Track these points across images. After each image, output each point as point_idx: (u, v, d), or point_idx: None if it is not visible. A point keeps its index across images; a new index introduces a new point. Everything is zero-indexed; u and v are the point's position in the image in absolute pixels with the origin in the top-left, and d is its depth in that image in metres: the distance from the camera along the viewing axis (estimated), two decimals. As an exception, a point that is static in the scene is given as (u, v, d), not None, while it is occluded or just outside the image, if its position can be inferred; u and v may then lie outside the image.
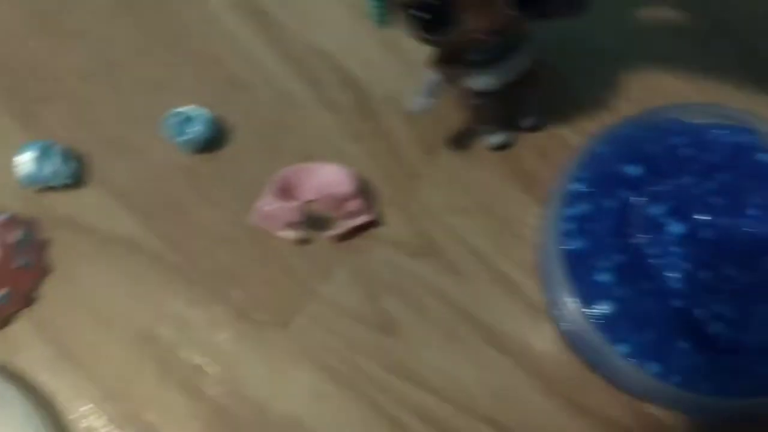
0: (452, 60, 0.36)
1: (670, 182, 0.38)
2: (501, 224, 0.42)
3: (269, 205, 0.40)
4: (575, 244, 0.37)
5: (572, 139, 0.43)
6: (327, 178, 0.41)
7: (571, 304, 0.36)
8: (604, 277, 0.37)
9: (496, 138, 0.42)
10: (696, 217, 0.38)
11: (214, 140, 0.43)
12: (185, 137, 0.42)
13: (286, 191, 0.41)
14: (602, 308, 0.36)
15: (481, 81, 0.38)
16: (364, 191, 0.41)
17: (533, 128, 0.43)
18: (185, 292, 0.40)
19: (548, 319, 0.39)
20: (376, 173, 0.43)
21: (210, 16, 0.47)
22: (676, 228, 0.38)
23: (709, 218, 0.38)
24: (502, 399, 0.38)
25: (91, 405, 0.39)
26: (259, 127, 0.44)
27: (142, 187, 0.43)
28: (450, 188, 0.42)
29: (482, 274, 0.41)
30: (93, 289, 0.41)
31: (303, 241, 0.41)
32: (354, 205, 0.40)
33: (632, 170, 0.38)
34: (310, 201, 0.41)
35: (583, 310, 0.36)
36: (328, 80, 0.45)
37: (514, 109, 0.42)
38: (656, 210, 0.38)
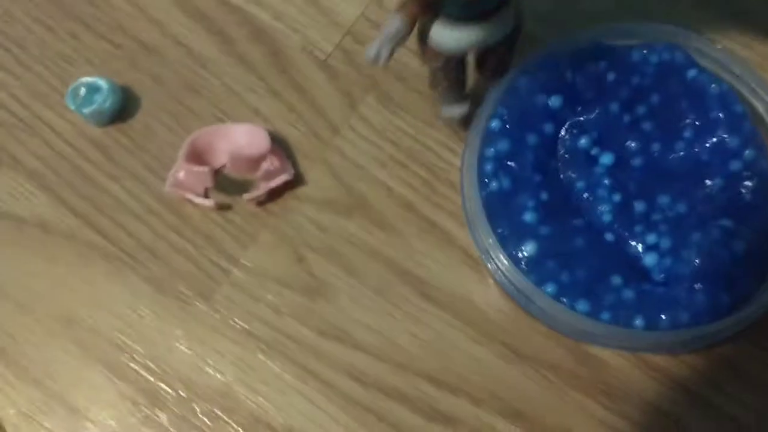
0: (427, 8, 0.31)
1: (595, 111, 0.37)
2: (430, 172, 0.40)
3: (181, 172, 0.38)
4: (496, 185, 0.35)
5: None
6: (240, 139, 0.39)
7: (495, 248, 0.35)
8: (528, 217, 0.35)
9: (452, 110, 0.38)
10: (627, 144, 0.36)
11: (123, 110, 0.41)
12: (91, 108, 0.40)
13: (198, 156, 0.38)
14: (527, 249, 0.34)
15: (453, 39, 0.32)
16: (282, 150, 0.39)
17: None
18: (103, 270, 0.39)
19: (484, 267, 0.37)
20: (295, 130, 0.41)
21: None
22: (605, 159, 0.36)
23: (640, 145, 0.36)
24: (440, 353, 0.37)
25: (15, 391, 0.37)
26: (170, 92, 0.42)
27: (53, 165, 0.41)
28: (375, 140, 0.40)
29: (413, 227, 0.39)
30: (10, 275, 0.39)
31: (222, 207, 0.39)
32: (271, 165, 0.38)
33: (554, 101, 0.36)
34: (224, 164, 0.39)
35: (508, 252, 0.34)
36: (238, 35, 0.42)
37: (479, 76, 0.38)
38: (582, 141, 0.36)
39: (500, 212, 0.35)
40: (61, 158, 0.41)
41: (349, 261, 0.38)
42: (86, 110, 0.40)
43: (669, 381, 0.35)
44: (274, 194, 0.39)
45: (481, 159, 0.36)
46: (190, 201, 0.39)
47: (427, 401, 0.36)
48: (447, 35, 0.32)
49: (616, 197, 0.36)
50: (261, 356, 0.37)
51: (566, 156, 0.36)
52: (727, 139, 0.36)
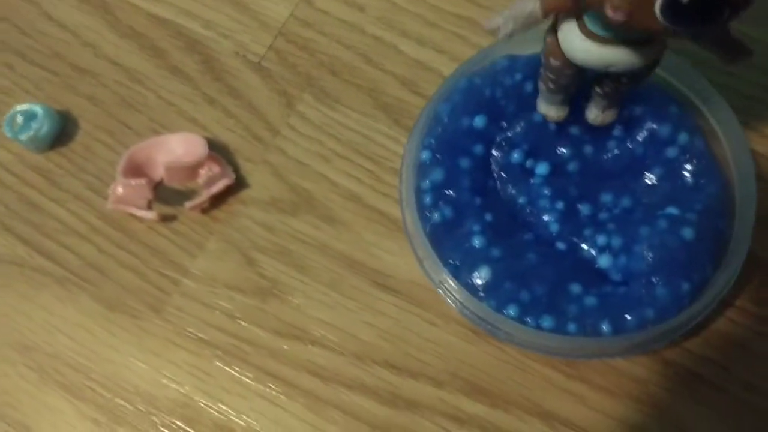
0: (571, 10, 0.27)
1: (521, 124, 0.35)
2: (373, 163, 0.40)
3: (119, 187, 0.38)
4: (438, 216, 0.34)
5: (436, 64, 0.41)
6: (176, 148, 0.39)
7: (449, 281, 0.34)
8: (476, 242, 0.34)
9: (548, 110, 0.34)
10: (558, 152, 0.35)
11: (62, 133, 0.41)
12: (29, 134, 0.39)
13: (136, 170, 0.38)
14: (482, 275, 0.33)
15: (582, 51, 0.28)
16: (222, 155, 0.39)
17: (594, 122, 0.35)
18: (55, 294, 0.38)
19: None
20: (234, 134, 0.40)
21: (46, 14, 0.44)
22: (540, 169, 0.35)
23: (572, 151, 0.36)
24: (398, 339, 0.36)
25: (-25, 429, 0.37)
26: (107, 111, 0.41)
27: (-3, 195, 0.41)
28: (315, 136, 0.40)
29: (361, 218, 0.39)
30: (-39, 310, 0.39)
31: (167, 219, 0.39)
32: (210, 171, 0.38)
33: (478, 121, 0.35)
34: (163, 175, 0.38)
35: (463, 282, 0.33)
36: (170, 47, 0.42)
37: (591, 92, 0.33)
38: (515, 156, 0.35)
39: (447, 243, 0.34)
40: (3, 187, 0.40)
41: (299, 259, 0.38)
42: (23, 137, 0.40)
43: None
44: (218, 200, 0.39)
45: (418, 192, 0.35)
46: (133, 215, 0.38)
47: (389, 389, 0.36)
48: (578, 45, 0.28)
49: (559, 205, 0.35)
50: (218, 363, 0.37)
51: (502, 174, 0.35)
52: (657, 129, 0.35)
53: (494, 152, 0.36)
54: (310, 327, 0.37)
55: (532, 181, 0.35)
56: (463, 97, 0.36)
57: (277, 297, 0.37)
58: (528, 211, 0.35)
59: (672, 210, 0.34)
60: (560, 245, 0.35)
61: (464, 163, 0.35)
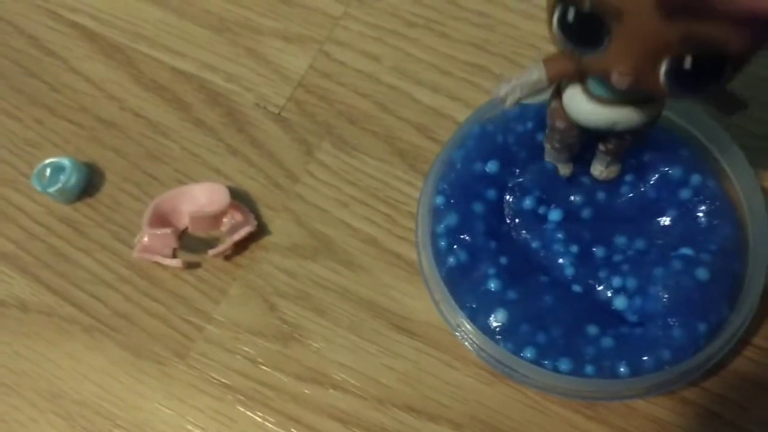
0: (575, 74, 0.28)
1: (532, 170, 0.36)
2: (390, 207, 0.40)
3: (146, 237, 0.39)
4: (453, 260, 0.35)
5: (450, 110, 0.42)
6: (200, 198, 0.40)
7: (467, 324, 0.34)
8: (492, 285, 0.34)
9: (559, 167, 0.36)
10: (571, 198, 0.36)
11: (89, 185, 0.42)
12: (57, 187, 0.41)
13: (161, 219, 0.39)
14: (498, 318, 0.34)
15: (586, 113, 0.29)
16: (244, 203, 0.40)
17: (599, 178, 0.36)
18: (83, 342, 0.39)
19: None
20: (256, 183, 0.42)
21: (72, 69, 0.46)
22: (553, 215, 0.36)
23: (585, 198, 0.36)
24: (417, 382, 0.37)
25: (4, 476, 0.38)
26: (132, 163, 0.43)
27: (27, 246, 0.42)
28: (334, 183, 0.41)
29: (380, 262, 0.39)
30: (-9, 359, 0.40)
31: (191, 266, 0.40)
32: (233, 219, 0.39)
33: (491, 167, 0.36)
34: (187, 224, 0.40)
35: (480, 325, 0.34)
36: (194, 100, 0.44)
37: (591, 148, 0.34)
38: (527, 202, 0.36)
39: (463, 286, 0.35)
40: (33, 239, 0.42)
41: (319, 303, 0.39)
42: (52, 189, 0.41)
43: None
44: (241, 247, 0.40)
45: (434, 237, 0.36)
46: (159, 264, 0.39)
47: (409, 432, 0.36)
48: (582, 107, 0.29)
49: (574, 248, 0.35)
50: (241, 408, 0.37)
51: (516, 219, 0.36)
52: (669, 172, 0.35)
53: (507, 197, 0.36)
54: (331, 371, 0.37)
55: (545, 226, 0.36)
56: (476, 143, 0.36)
57: (298, 341, 0.38)
58: (542, 254, 0.35)
59: (686, 251, 0.34)
60: (576, 287, 0.35)
61: (478, 207, 0.36)
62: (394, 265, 0.39)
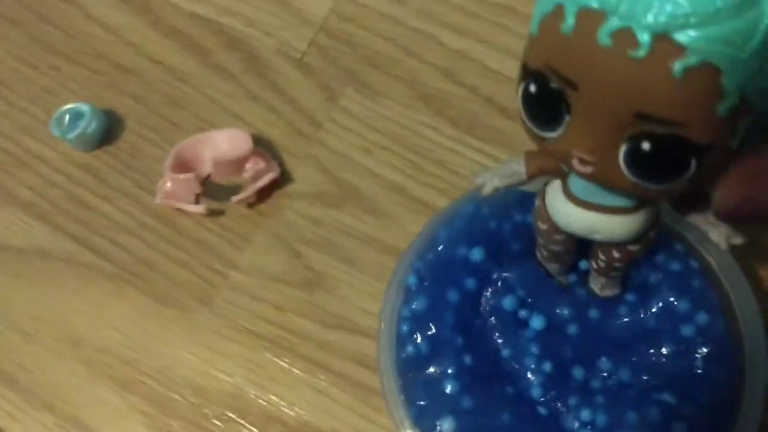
0: (557, 173, 0.26)
1: (521, 267, 0.32)
2: (415, 154, 0.40)
3: (168, 182, 0.38)
4: (412, 349, 0.31)
5: (476, 54, 0.41)
6: (222, 144, 0.39)
7: (407, 423, 0.30)
8: (449, 387, 0.30)
9: (561, 277, 0.32)
10: (558, 310, 0.32)
11: (109, 132, 0.42)
12: (76, 133, 0.40)
13: (183, 166, 0.39)
14: (444, 426, 0.30)
15: (566, 216, 0.26)
16: (267, 150, 0.40)
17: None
18: (104, 289, 0.39)
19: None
20: (278, 129, 0.41)
21: (88, 15, 0.45)
22: (535, 323, 0.31)
23: (574, 312, 0.31)
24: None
25: (29, 417, 0.37)
26: (152, 109, 0.42)
27: (46, 194, 0.41)
28: (358, 129, 0.41)
29: (404, 209, 0.39)
30: (14, 305, 0.39)
31: (214, 213, 0.39)
32: (256, 165, 0.39)
33: (475, 255, 0.32)
34: (211, 171, 0.39)
35: (424, 428, 0.30)
36: (213, 46, 0.43)
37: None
38: (507, 301, 0.31)
39: (417, 381, 0.31)
40: (53, 186, 0.41)
41: (344, 251, 0.38)
42: (71, 136, 0.40)
43: None
44: (264, 194, 0.39)
45: (398, 319, 0.32)
46: (181, 210, 0.39)
47: (438, 379, 0.36)
48: (560, 207, 0.26)
49: (546, 367, 0.30)
50: (268, 354, 0.37)
51: (491, 317, 0.32)
52: (675, 303, 0.31)
53: (487, 291, 0.32)
54: (357, 318, 0.37)
55: (522, 333, 0.31)
56: (465, 225, 0.33)
57: (323, 288, 0.38)
58: (512, 364, 0.31)
59: (668, 397, 0.30)
60: (541, 410, 0.30)
61: (452, 296, 0.32)
62: (419, 212, 0.39)
